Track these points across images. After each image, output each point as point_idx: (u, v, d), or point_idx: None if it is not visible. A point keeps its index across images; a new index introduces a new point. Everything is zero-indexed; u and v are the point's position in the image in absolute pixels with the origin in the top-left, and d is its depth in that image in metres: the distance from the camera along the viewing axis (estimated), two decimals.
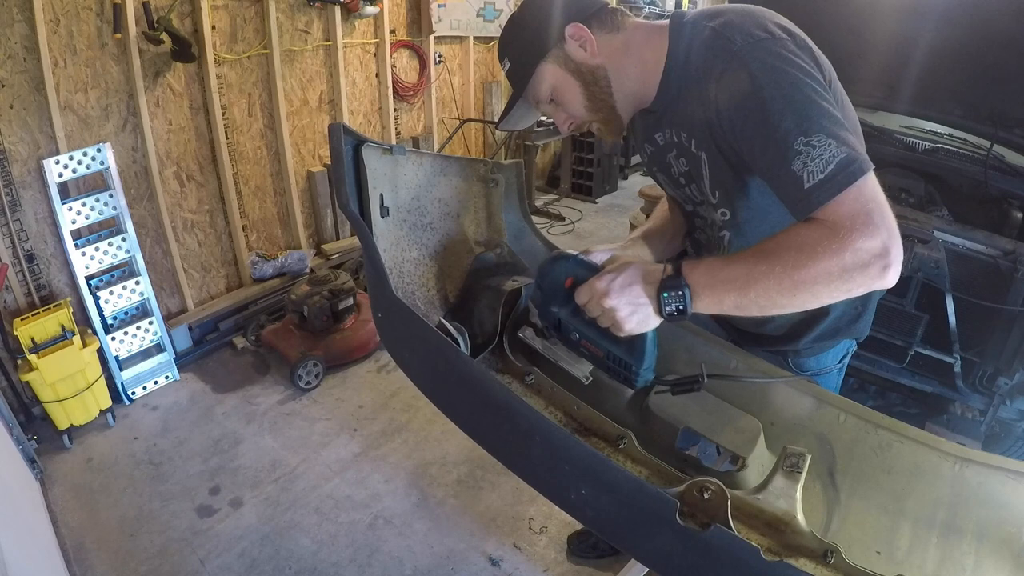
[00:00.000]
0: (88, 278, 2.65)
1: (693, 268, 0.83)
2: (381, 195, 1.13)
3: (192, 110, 3.03)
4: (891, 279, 0.76)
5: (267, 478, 2.37)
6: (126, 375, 2.78)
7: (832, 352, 1.22)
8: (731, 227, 1.05)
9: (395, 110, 4.19)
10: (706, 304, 0.82)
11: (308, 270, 3.51)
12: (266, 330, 3.16)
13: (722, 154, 0.94)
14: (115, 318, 2.80)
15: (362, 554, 2.05)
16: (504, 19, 4.82)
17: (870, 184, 0.77)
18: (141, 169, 2.90)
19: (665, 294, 0.83)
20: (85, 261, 2.62)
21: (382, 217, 1.13)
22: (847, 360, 1.27)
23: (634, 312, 0.85)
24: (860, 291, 0.78)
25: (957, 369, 1.89)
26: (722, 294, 0.81)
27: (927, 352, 1.94)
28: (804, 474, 0.88)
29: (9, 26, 2.34)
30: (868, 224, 0.74)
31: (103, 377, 2.61)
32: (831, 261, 0.75)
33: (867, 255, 0.74)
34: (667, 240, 1.22)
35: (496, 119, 5.13)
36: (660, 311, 0.84)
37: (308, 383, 2.90)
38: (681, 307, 0.82)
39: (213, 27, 2.98)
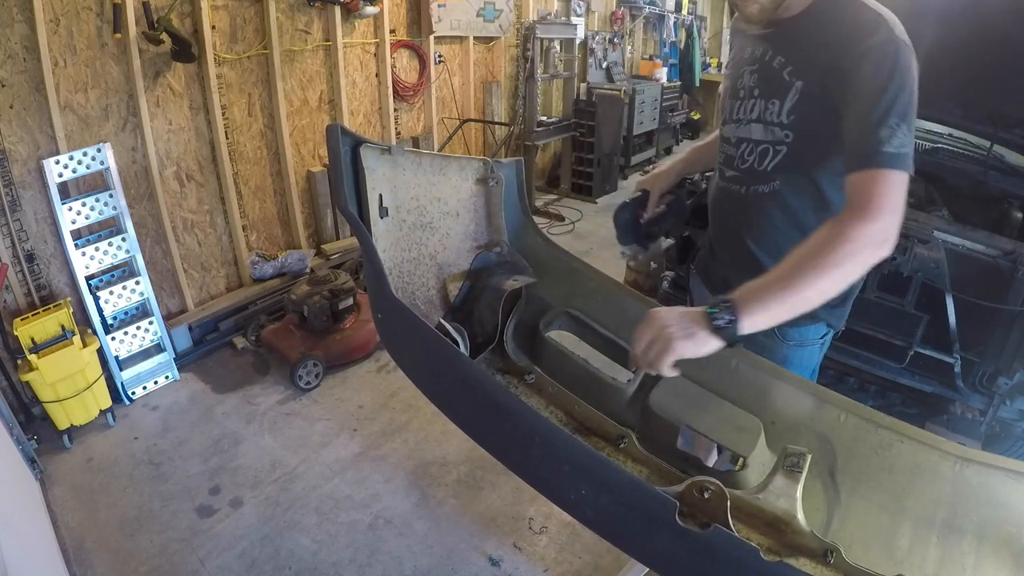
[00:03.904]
0: (88, 278, 2.65)
1: (736, 290, 0.94)
2: (380, 195, 1.13)
3: (192, 110, 3.03)
4: (887, 252, 0.94)
5: (267, 478, 2.37)
6: (126, 375, 2.78)
7: (813, 328, 1.31)
8: (785, 146, 1.18)
9: (395, 110, 4.18)
10: (754, 310, 0.90)
11: (308, 270, 3.51)
12: (266, 330, 3.16)
13: (823, 92, 1.07)
14: (115, 318, 2.79)
15: (362, 554, 2.05)
16: (504, 19, 4.83)
17: (906, 181, 0.97)
18: (141, 169, 2.90)
19: (711, 310, 0.91)
20: (85, 261, 2.62)
21: (381, 217, 1.13)
22: (827, 342, 1.37)
23: (689, 336, 0.91)
24: (872, 261, 0.93)
25: (957, 369, 1.88)
26: (766, 295, 0.91)
27: (927, 352, 1.94)
28: (804, 473, 0.88)
29: (9, 26, 2.34)
30: (892, 207, 0.94)
31: (103, 377, 2.60)
32: (860, 233, 0.92)
33: (882, 234, 0.92)
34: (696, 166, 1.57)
35: (496, 119, 5.14)
36: (710, 326, 0.90)
37: (308, 383, 2.90)
38: (731, 318, 0.90)
39: (213, 27, 2.98)
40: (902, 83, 0.98)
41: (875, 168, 0.96)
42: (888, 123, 0.96)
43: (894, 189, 0.95)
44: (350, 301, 3.12)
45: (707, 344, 0.91)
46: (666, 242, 1.48)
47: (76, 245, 2.59)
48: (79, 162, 2.54)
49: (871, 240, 0.91)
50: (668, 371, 0.92)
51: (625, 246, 1.49)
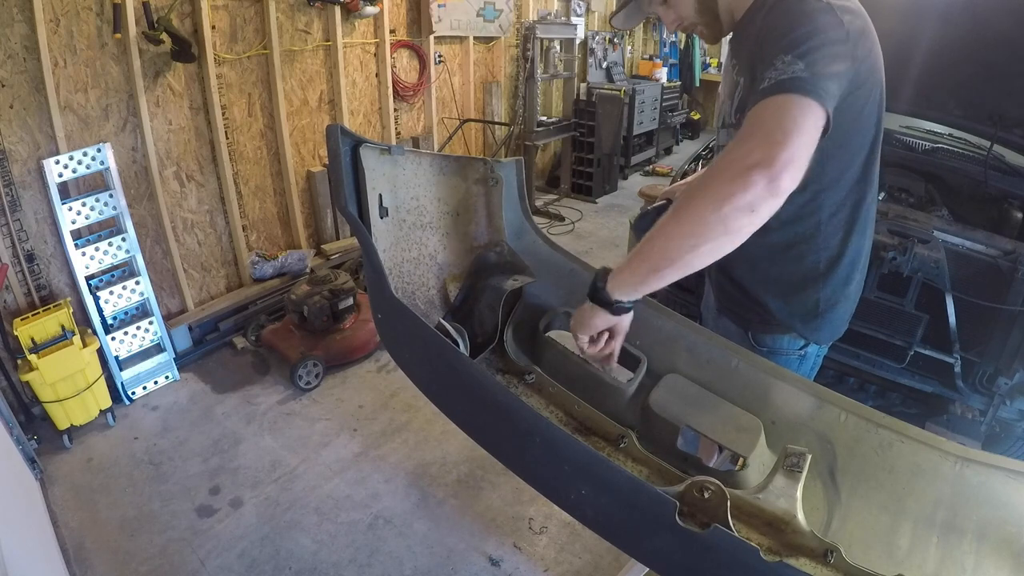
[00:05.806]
0: (88, 278, 2.65)
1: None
2: (380, 195, 1.13)
3: (192, 110, 3.03)
4: (783, 181, 0.77)
5: (267, 478, 2.37)
6: (126, 375, 2.78)
7: (787, 339, 1.26)
8: None
9: (395, 110, 4.18)
10: (618, 272, 0.93)
11: (308, 270, 3.51)
12: (266, 330, 3.16)
13: (754, 84, 0.99)
14: (115, 318, 2.79)
15: (362, 554, 2.05)
16: (504, 19, 4.83)
17: (798, 106, 0.80)
18: (141, 169, 2.90)
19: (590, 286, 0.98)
20: (85, 261, 2.61)
21: (381, 218, 1.13)
22: (810, 356, 1.30)
23: (582, 311, 0.99)
24: (747, 189, 0.77)
25: (957, 369, 1.89)
26: (631, 256, 0.91)
27: (927, 352, 1.94)
28: (805, 473, 0.88)
29: (9, 26, 2.34)
30: (767, 128, 0.79)
31: (103, 377, 2.60)
32: (720, 166, 0.81)
33: (752, 156, 0.77)
34: None
35: (496, 119, 5.14)
36: (592, 297, 0.97)
37: (308, 383, 2.90)
38: (601, 283, 0.95)
39: (213, 27, 2.98)
40: (795, 24, 0.88)
41: (750, 108, 0.83)
42: (773, 63, 0.84)
43: (773, 112, 0.80)
44: (350, 301, 3.12)
45: (593, 311, 0.97)
46: None
47: (76, 245, 2.59)
48: (79, 162, 2.54)
49: (737, 168, 0.77)
50: (588, 346, 1.01)
51: None
